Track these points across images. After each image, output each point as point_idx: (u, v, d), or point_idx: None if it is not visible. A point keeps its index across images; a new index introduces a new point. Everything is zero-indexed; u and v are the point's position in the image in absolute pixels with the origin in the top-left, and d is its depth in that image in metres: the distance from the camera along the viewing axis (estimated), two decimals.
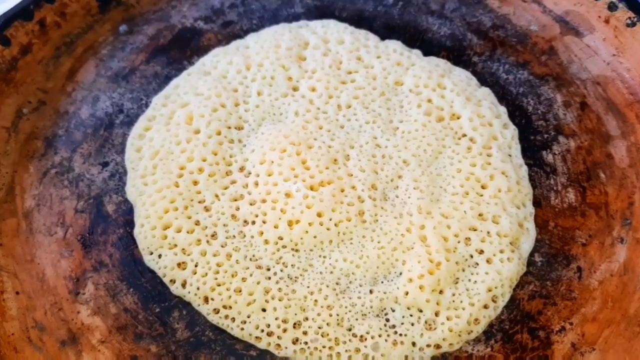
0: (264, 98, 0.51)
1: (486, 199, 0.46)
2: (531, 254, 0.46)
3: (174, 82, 0.53)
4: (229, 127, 0.50)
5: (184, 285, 0.43)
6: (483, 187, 0.47)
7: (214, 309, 0.42)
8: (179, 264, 0.44)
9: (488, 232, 0.45)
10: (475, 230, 0.45)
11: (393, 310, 0.42)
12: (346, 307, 0.42)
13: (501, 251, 0.44)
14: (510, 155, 0.49)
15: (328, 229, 0.45)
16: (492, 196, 0.47)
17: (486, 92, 0.53)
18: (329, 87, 0.52)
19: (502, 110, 0.52)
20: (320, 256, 0.44)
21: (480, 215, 0.46)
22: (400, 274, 0.43)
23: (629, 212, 0.48)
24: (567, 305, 0.44)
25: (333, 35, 0.55)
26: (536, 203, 0.48)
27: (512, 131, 0.51)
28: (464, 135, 0.50)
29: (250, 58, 0.54)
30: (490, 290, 0.43)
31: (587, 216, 0.48)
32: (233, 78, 0.53)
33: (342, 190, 0.46)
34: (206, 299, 0.43)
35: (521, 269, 0.44)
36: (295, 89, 0.52)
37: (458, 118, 0.51)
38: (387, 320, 0.42)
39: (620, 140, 0.51)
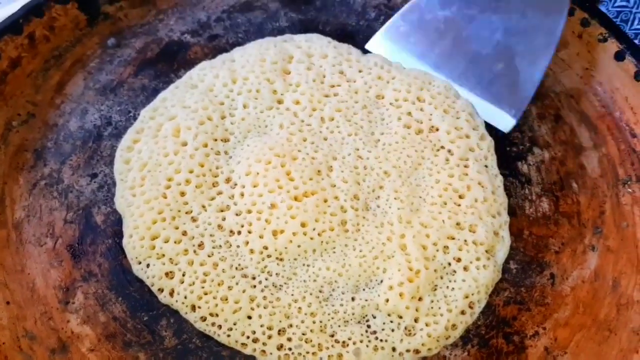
0: (250, 111, 0.53)
1: (463, 209, 0.48)
2: (506, 261, 0.47)
3: (162, 95, 0.54)
4: (216, 140, 0.51)
5: (171, 294, 0.45)
6: (460, 197, 0.49)
7: (201, 317, 0.44)
8: (166, 274, 0.45)
9: (465, 241, 0.47)
10: (452, 239, 0.47)
11: (374, 317, 0.44)
12: (329, 314, 0.44)
13: (477, 259, 0.46)
14: (486, 166, 0.51)
15: (312, 239, 0.46)
16: (468, 206, 0.48)
17: (465, 103, 0.54)
18: (313, 100, 0.53)
19: (480, 121, 0.54)
20: (304, 265, 0.46)
21: (457, 224, 0.47)
22: (381, 281, 0.45)
23: (600, 220, 0.50)
24: (540, 310, 0.46)
25: (317, 49, 0.57)
26: (511, 212, 0.50)
27: (488, 143, 0.52)
28: (442, 147, 0.52)
29: (236, 72, 0.55)
30: (467, 297, 0.45)
31: (560, 225, 0.50)
32: (219, 91, 0.54)
33: (325, 201, 0.48)
34: (193, 307, 0.44)
35: (496, 276, 0.46)
36: (280, 102, 0.54)
37: (437, 130, 0.52)
38: (369, 326, 0.44)
39: (592, 151, 0.53)
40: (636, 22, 0.64)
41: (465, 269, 0.46)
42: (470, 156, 0.51)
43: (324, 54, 0.57)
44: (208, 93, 0.54)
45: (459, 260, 0.46)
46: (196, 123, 0.51)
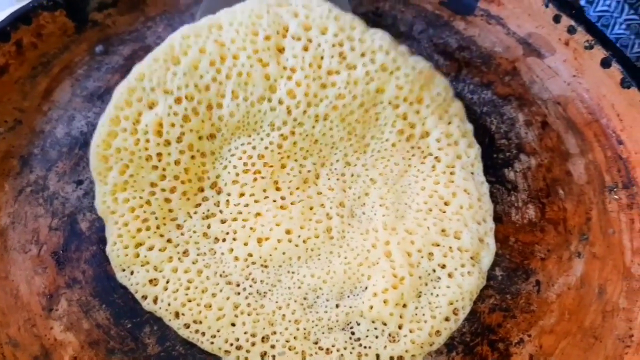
0: (239, 102, 0.49)
1: (448, 215, 0.48)
2: (492, 268, 0.47)
3: (138, 70, 0.47)
4: (201, 138, 0.48)
5: (155, 301, 0.44)
6: (446, 204, 0.49)
7: (185, 324, 0.44)
8: (150, 281, 0.45)
9: (450, 247, 0.47)
10: (437, 245, 0.47)
11: (358, 324, 0.44)
12: (313, 322, 0.44)
13: (462, 265, 0.46)
14: (472, 173, 0.51)
15: (297, 246, 0.46)
16: (454, 212, 0.48)
17: (458, 106, 0.52)
18: (309, 93, 0.49)
19: (469, 127, 0.52)
20: (288, 272, 0.46)
21: (443, 231, 0.47)
22: (366, 288, 0.45)
23: (586, 227, 0.50)
24: (526, 317, 0.46)
25: (315, 20, 0.50)
26: (497, 219, 0.50)
27: (475, 150, 0.52)
28: (430, 154, 0.51)
29: (224, 47, 0.49)
30: (451, 304, 0.45)
31: (546, 231, 0.50)
32: (205, 71, 0.49)
33: (311, 208, 0.48)
34: (177, 314, 0.44)
35: (481, 283, 0.46)
36: (272, 91, 0.49)
37: (428, 135, 0.51)
38: (353, 333, 0.44)
39: (578, 158, 0.53)
40: (617, 27, 0.64)
41: (449, 275, 0.46)
42: (457, 163, 0.51)
43: (323, 28, 0.50)
44: (192, 73, 0.48)
45: (443, 266, 0.46)
46: (180, 120, 0.48)
